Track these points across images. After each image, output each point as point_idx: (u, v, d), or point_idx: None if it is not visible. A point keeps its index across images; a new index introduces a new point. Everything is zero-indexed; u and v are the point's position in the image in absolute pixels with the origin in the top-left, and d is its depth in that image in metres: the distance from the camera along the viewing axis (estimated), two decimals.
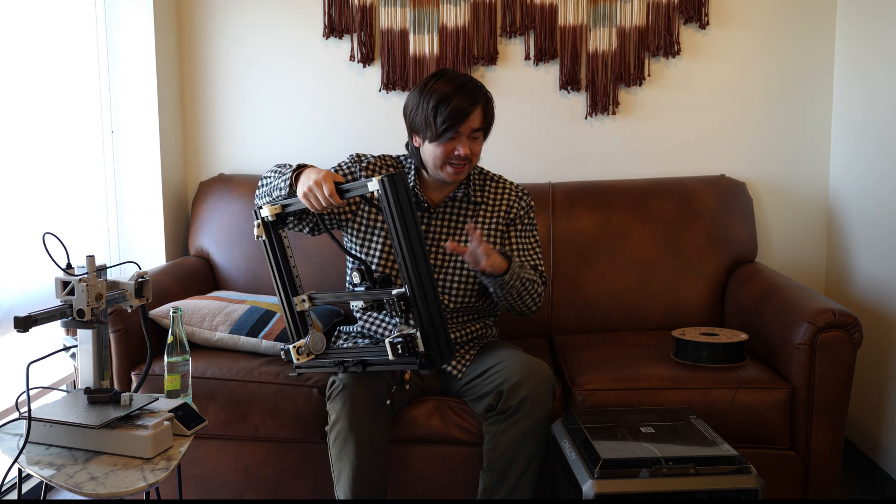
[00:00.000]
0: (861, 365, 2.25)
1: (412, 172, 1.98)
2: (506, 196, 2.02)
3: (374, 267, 1.95)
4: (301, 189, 1.75)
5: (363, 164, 1.98)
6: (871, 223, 2.38)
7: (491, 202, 2.01)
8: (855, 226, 2.48)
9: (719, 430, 1.84)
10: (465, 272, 1.96)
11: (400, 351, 1.59)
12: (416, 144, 1.94)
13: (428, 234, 1.98)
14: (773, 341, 2.04)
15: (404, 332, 1.60)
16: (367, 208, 1.97)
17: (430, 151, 1.89)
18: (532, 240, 2.05)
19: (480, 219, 1.99)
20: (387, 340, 1.61)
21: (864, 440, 2.39)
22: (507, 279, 1.82)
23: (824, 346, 1.89)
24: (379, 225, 1.96)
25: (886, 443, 2.27)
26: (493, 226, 1.99)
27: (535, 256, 2.03)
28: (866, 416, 2.38)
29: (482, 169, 2.07)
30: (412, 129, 1.92)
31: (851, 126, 2.51)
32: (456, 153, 1.86)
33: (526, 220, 2.04)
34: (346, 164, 2.00)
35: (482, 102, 1.87)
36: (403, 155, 2.03)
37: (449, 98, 1.82)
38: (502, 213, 2.00)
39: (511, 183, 2.06)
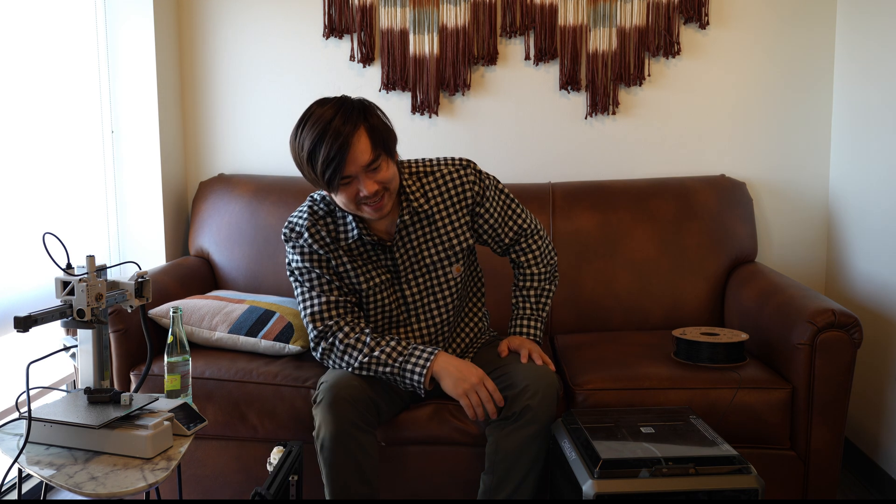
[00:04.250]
0: (861, 365, 2.25)
1: (348, 215, 1.78)
2: (449, 185, 1.82)
3: (371, 301, 1.85)
4: (457, 390, 1.72)
5: (305, 239, 1.77)
6: (871, 223, 2.38)
7: (440, 203, 1.82)
8: (855, 226, 2.48)
9: (719, 430, 1.84)
10: (444, 292, 1.87)
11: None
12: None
13: (398, 269, 1.83)
14: (773, 341, 2.04)
15: None
16: (341, 253, 1.80)
17: (338, 200, 1.71)
18: (504, 206, 1.90)
19: (440, 226, 1.83)
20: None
21: (864, 440, 2.39)
22: (539, 335, 1.95)
23: (824, 346, 1.89)
24: (365, 257, 1.82)
25: (886, 443, 2.27)
26: (455, 225, 1.84)
27: (516, 219, 1.91)
28: (866, 416, 2.38)
29: (410, 167, 1.84)
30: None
31: (851, 126, 2.51)
32: (361, 195, 1.67)
33: (488, 195, 1.85)
34: (294, 258, 1.79)
35: (356, 133, 1.62)
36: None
37: (316, 150, 1.62)
38: (458, 206, 1.83)
39: (446, 165, 1.84)
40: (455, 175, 1.83)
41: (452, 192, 1.83)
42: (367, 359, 1.74)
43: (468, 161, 1.85)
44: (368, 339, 1.75)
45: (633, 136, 2.69)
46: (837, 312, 1.89)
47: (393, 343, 1.76)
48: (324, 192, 1.80)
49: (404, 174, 1.81)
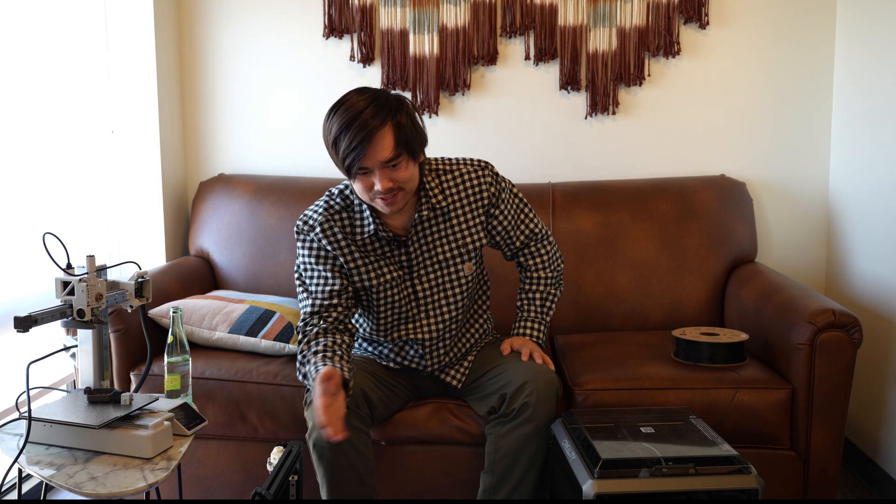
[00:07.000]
0: (861, 365, 2.26)
1: (364, 207, 1.78)
2: (467, 184, 1.83)
3: (381, 297, 1.85)
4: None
5: (316, 233, 1.79)
6: (871, 223, 2.38)
7: (457, 201, 1.83)
8: (855, 226, 2.48)
9: (719, 430, 1.84)
10: (455, 289, 1.88)
11: None
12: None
13: (412, 263, 1.84)
14: (773, 341, 2.04)
15: None
16: (349, 248, 1.81)
17: (355, 187, 1.73)
18: (517, 209, 1.92)
19: (455, 223, 1.84)
20: None
21: (864, 440, 2.39)
22: (542, 337, 1.96)
23: (824, 346, 1.89)
24: (369, 251, 1.82)
25: (886, 443, 2.27)
26: (470, 223, 1.85)
27: (528, 223, 1.93)
28: (866, 416, 2.38)
29: (430, 164, 1.85)
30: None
31: (851, 126, 2.51)
32: (375, 188, 1.67)
33: (503, 196, 1.87)
34: (302, 253, 1.81)
35: (382, 128, 1.62)
36: (345, 183, 1.84)
37: (341, 136, 1.63)
38: (474, 205, 1.84)
39: (465, 165, 1.86)
40: (473, 175, 1.85)
41: (470, 192, 1.84)
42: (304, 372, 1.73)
43: (486, 163, 1.87)
44: (314, 359, 1.69)
45: (633, 136, 2.69)
46: (837, 312, 1.89)
47: (315, 363, 1.68)
48: (341, 187, 1.84)
49: (424, 170, 1.81)
